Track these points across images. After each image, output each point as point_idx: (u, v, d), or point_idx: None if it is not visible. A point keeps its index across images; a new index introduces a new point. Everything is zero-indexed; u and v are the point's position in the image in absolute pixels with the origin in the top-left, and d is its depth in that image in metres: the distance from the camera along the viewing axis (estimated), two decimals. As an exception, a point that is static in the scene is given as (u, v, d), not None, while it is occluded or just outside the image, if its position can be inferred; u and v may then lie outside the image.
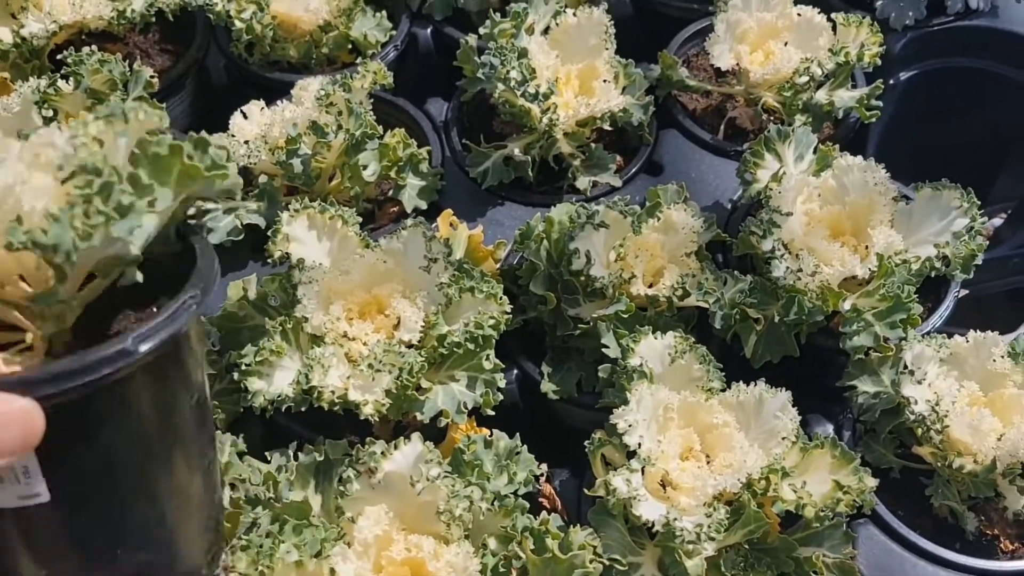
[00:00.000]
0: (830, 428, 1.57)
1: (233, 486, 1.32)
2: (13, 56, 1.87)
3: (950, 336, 1.54)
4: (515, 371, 1.64)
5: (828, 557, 1.37)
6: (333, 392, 1.35)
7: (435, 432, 1.41)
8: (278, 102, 1.80)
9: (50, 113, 1.66)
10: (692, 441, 1.41)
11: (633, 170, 1.90)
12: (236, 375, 1.39)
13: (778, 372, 1.52)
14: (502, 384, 1.44)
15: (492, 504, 1.28)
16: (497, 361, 1.45)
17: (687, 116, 1.99)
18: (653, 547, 1.38)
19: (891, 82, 2.09)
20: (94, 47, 1.71)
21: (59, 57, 1.73)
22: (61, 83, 1.67)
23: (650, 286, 1.58)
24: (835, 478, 1.32)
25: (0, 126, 1.67)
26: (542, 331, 1.66)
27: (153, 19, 1.95)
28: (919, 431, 1.47)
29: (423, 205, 1.81)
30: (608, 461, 1.44)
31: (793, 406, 1.40)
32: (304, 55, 2.02)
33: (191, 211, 0.92)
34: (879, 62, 1.88)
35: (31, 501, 0.80)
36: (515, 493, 1.31)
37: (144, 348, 0.81)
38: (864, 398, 1.53)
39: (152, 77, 1.75)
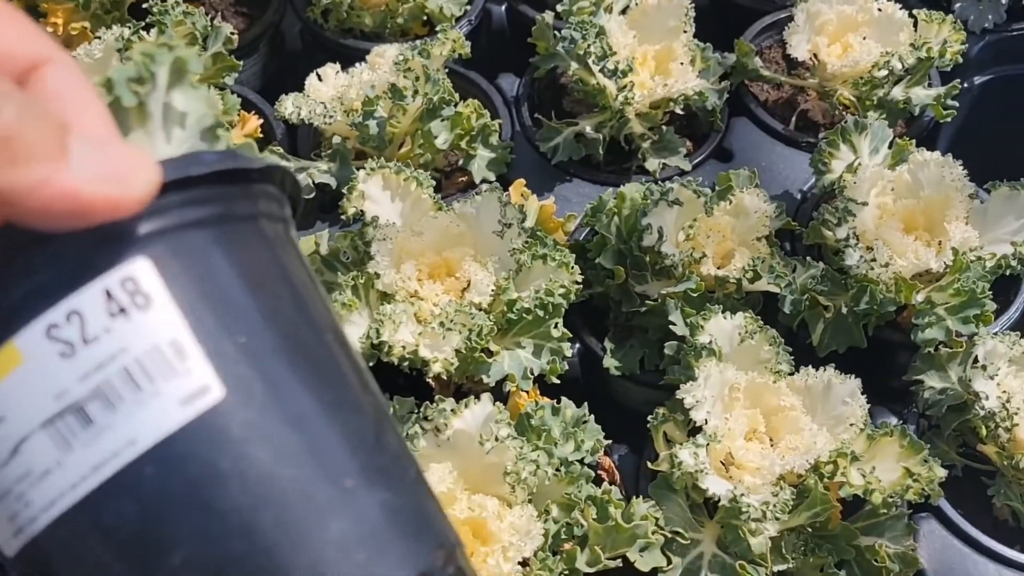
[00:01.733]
0: (894, 421, 1.55)
1: None
2: (94, 6, 1.89)
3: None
4: (577, 345, 1.63)
5: (889, 547, 1.35)
6: (404, 348, 1.35)
7: (496, 400, 1.41)
8: (354, 65, 1.80)
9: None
10: (757, 422, 1.40)
11: (703, 155, 1.89)
12: (307, 327, 1.40)
13: (841, 363, 1.50)
14: (568, 354, 1.44)
15: (558, 470, 1.28)
16: (565, 330, 1.45)
17: (759, 106, 1.98)
18: (713, 524, 1.37)
19: (965, 85, 2.06)
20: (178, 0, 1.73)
21: (144, 6, 1.74)
22: (143, 32, 1.69)
23: (719, 268, 1.57)
24: (904, 466, 1.31)
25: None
26: (605, 308, 1.66)
27: (234, -21, 1.98)
28: (985, 429, 1.45)
29: (492, 177, 1.81)
30: (669, 438, 1.43)
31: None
32: (379, 24, 2.02)
33: None
34: (960, 60, 1.86)
35: (201, 402, 0.53)
36: (581, 461, 1.31)
37: None
38: (930, 393, 1.51)
39: (232, 34, 1.77)
